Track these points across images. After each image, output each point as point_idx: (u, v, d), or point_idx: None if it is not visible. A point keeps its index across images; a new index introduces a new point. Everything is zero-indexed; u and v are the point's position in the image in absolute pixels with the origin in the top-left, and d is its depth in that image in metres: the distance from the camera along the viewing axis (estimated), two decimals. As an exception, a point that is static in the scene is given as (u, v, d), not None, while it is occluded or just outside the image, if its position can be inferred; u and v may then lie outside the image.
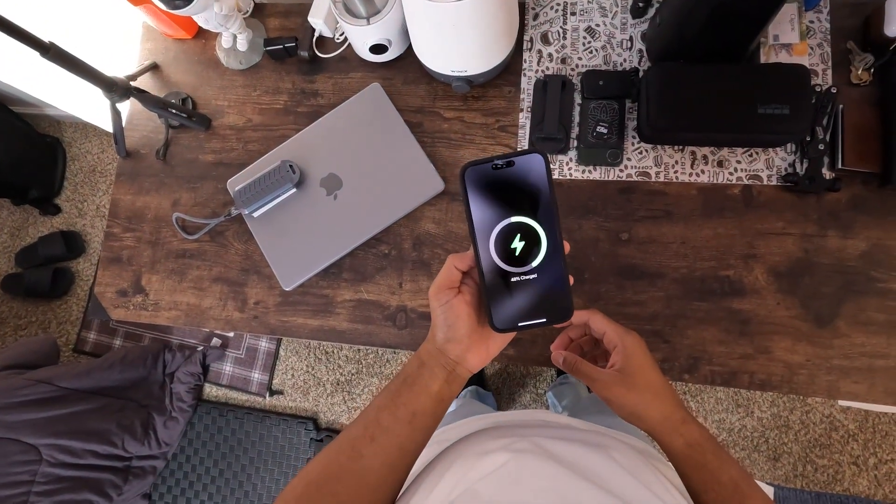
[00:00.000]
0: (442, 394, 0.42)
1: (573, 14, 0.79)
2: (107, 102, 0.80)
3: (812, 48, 0.72)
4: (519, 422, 0.58)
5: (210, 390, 1.71)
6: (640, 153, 0.74)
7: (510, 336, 0.45)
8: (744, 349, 0.69)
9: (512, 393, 1.54)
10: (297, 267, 0.78)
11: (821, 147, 0.69)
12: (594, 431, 0.54)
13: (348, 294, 0.78)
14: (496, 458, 0.41)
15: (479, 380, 1.50)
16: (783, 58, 0.72)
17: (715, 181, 0.72)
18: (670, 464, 0.46)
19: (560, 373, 1.48)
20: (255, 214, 0.79)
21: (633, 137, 0.75)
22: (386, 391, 0.43)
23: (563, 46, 0.78)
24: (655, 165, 0.74)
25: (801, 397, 1.43)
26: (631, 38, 0.77)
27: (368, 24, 0.72)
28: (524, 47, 0.79)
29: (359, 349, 1.65)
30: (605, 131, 0.73)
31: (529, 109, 0.77)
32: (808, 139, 0.70)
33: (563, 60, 0.78)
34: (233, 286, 0.81)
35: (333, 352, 1.66)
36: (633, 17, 0.77)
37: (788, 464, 1.39)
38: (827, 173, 0.70)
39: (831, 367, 0.68)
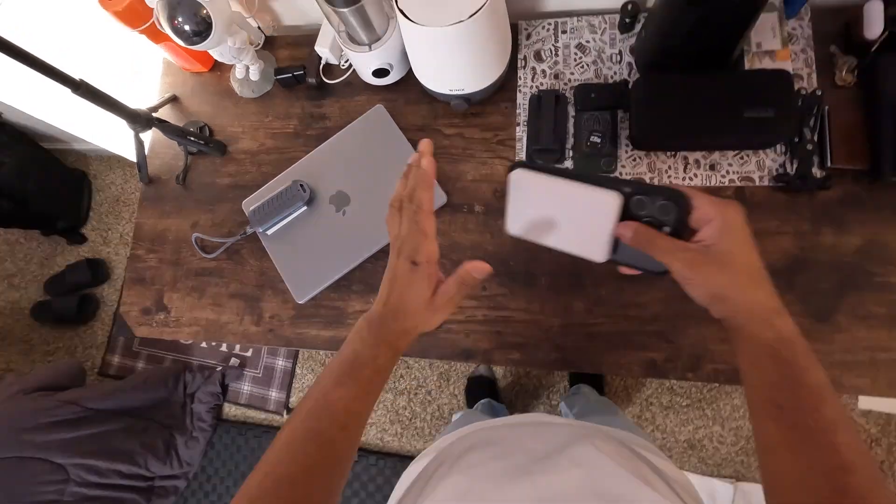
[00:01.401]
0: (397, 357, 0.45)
1: (564, 32, 0.83)
2: (130, 133, 0.86)
3: (796, 53, 0.75)
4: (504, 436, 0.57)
5: (229, 410, 1.74)
6: (634, 160, 0.77)
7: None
8: (745, 347, 0.70)
9: (525, 405, 1.55)
10: (309, 281, 0.82)
11: (809, 147, 0.71)
12: (579, 425, 0.56)
13: (358, 305, 0.82)
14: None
15: (492, 393, 1.51)
16: (767, 64, 0.74)
17: (708, 184, 0.75)
18: (657, 451, 0.47)
19: (573, 383, 1.48)
20: (269, 232, 0.84)
21: (627, 145, 0.78)
22: (344, 375, 0.42)
23: (556, 63, 0.82)
24: (649, 171, 0.77)
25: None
26: (620, 52, 0.81)
27: (370, 50, 0.78)
28: (518, 65, 0.83)
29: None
30: (598, 141, 0.77)
31: (526, 123, 0.81)
32: (797, 140, 0.72)
33: (556, 76, 0.82)
34: (249, 301, 0.85)
35: (348, 368, 1.69)
36: (621, 33, 0.81)
37: (811, 470, 1.36)
38: (817, 172, 0.72)
39: (833, 362, 0.68)
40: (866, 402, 1.37)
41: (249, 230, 0.84)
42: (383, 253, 0.82)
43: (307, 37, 0.93)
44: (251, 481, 0.38)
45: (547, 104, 0.78)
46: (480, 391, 1.51)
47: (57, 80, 0.70)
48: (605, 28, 0.82)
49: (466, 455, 0.46)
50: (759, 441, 0.39)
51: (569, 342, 0.75)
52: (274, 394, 1.71)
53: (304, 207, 0.83)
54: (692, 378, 0.71)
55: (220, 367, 1.73)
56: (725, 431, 1.42)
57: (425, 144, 0.47)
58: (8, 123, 1.73)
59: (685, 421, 1.45)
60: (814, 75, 0.75)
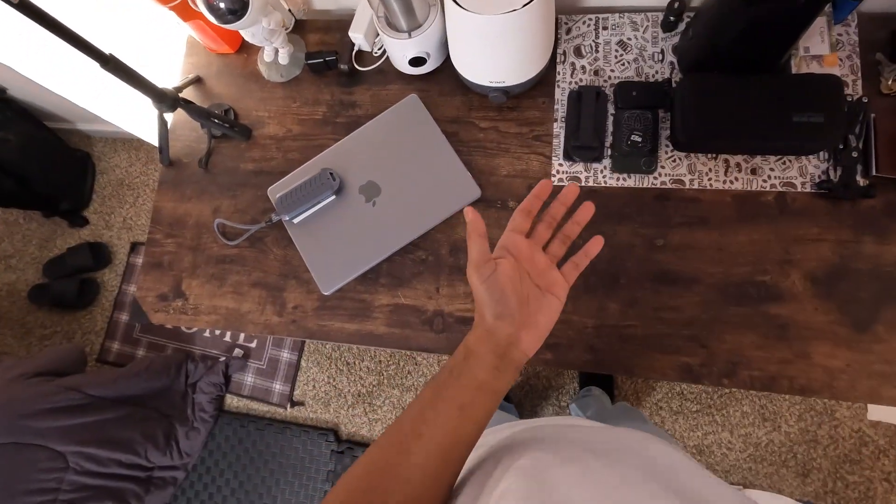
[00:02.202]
0: (492, 384, 0.40)
1: (605, 28, 0.81)
2: (147, 113, 0.83)
3: (841, 60, 0.74)
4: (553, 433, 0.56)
5: (231, 401, 1.72)
6: (674, 161, 0.76)
7: (557, 309, 0.45)
8: (783, 354, 0.70)
9: (534, 406, 1.54)
10: (335, 272, 0.80)
11: (854, 154, 0.70)
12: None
13: (386, 299, 0.80)
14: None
15: (500, 392, 1.50)
16: (814, 69, 0.73)
17: (749, 188, 0.74)
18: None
19: (583, 385, 1.47)
20: (296, 221, 0.81)
21: (667, 146, 0.76)
22: (432, 384, 0.41)
23: (596, 59, 0.81)
24: (689, 173, 0.75)
25: (829, 412, 1.41)
26: (662, 51, 0.79)
27: (410, 37, 0.75)
28: (558, 60, 0.82)
29: (380, 360, 1.66)
30: (639, 140, 0.75)
31: (563, 119, 0.80)
32: (842, 147, 0.71)
33: (596, 72, 0.81)
34: (271, 291, 0.83)
35: (355, 363, 1.67)
36: (664, 31, 0.80)
37: (818, 480, 1.36)
38: (861, 180, 0.71)
39: (872, 373, 0.68)
40: (875, 413, 1.37)
41: (275, 218, 0.82)
42: (413, 246, 0.80)
43: (338, 22, 0.91)
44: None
45: (587, 100, 0.77)
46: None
47: (85, 53, 0.67)
48: (647, 26, 0.80)
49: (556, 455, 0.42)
50: None
51: (602, 343, 0.74)
52: (278, 386, 1.68)
53: (333, 197, 0.81)
54: (728, 384, 0.70)
55: (224, 358, 1.70)
56: (734, 438, 1.42)
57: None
58: (13, 100, 1.69)
59: (694, 426, 1.45)
60: (859, 82, 0.74)
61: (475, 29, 0.65)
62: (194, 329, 1.74)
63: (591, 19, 0.82)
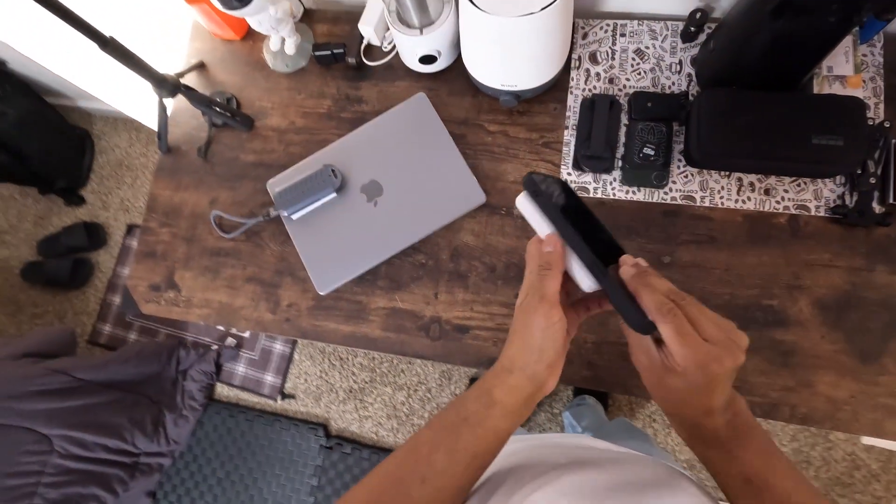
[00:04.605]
0: (511, 430, 0.38)
1: (622, 35, 0.79)
2: (150, 97, 0.81)
3: (865, 81, 0.72)
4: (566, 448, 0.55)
5: (221, 390, 1.70)
6: (686, 177, 0.74)
7: (566, 348, 0.41)
8: (785, 381, 0.68)
9: (526, 411, 1.52)
10: (332, 271, 0.78)
11: (872, 181, 0.68)
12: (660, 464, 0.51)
13: (382, 302, 0.78)
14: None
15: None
16: (837, 89, 0.71)
17: (761, 209, 0.72)
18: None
19: (577, 393, 1.46)
20: (294, 217, 0.79)
21: (679, 161, 0.74)
22: (443, 425, 0.38)
23: (612, 66, 0.79)
24: (701, 190, 0.73)
25: (824, 433, 1.39)
26: (680, 62, 0.77)
27: (421, 34, 0.73)
28: (572, 65, 0.79)
29: (373, 357, 1.64)
30: (651, 153, 0.73)
31: (575, 127, 0.77)
32: (860, 172, 0.69)
33: (611, 80, 0.78)
34: (266, 287, 0.81)
35: (348, 358, 1.65)
36: (683, 42, 0.77)
37: (808, 501, 1.35)
38: (877, 207, 0.69)
39: (877, 405, 0.66)
40: (869, 438, 1.36)
41: (274, 212, 0.80)
42: (413, 249, 0.78)
43: (348, 13, 0.88)
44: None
45: (601, 109, 0.75)
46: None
47: (85, 34, 0.65)
48: (666, 35, 0.78)
49: (550, 472, 0.41)
50: None
51: (602, 360, 0.72)
52: (269, 378, 1.67)
53: (334, 194, 0.78)
54: (729, 409, 0.69)
55: (216, 346, 1.68)
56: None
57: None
58: (13, 74, 1.66)
59: (686, 441, 1.44)
60: (881, 105, 0.72)
61: (490, 30, 0.63)
62: (201, 322, 1.72)
63: (608, 25, 0.80)
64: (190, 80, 0.90)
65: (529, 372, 0.37)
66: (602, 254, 0.39)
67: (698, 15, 0.73)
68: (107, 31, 0.68)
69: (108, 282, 1.84)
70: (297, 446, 1.59)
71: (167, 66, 0.86)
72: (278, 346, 1.68)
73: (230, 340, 1.70)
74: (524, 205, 0.43)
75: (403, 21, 0.74)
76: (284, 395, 1.65)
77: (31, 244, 1.91)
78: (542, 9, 0.58)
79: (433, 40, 0.74)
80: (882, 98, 0.72)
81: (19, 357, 1.30)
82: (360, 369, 1.64)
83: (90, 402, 1.33)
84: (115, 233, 1.88)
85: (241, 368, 1.68)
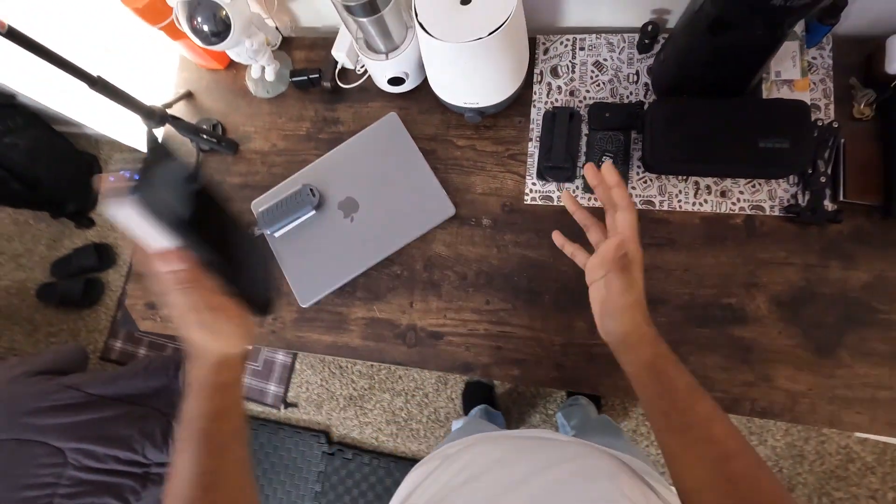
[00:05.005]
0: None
1: (582, 49, 0.83)
2: (142, 127, 0.86)
3: (815, 83, 0.75)
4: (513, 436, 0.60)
5: (227, 401, 1.75)
6: (645, 182, 0.77)
7: None
8: (745, 377, 0.70)
9: (522, 413, 1.55)
10: (313, 285, 0.82)
11: (822, 179, 0.71)
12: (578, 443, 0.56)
13: (361, 312, 0.82)
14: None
15: (489, 399, 1.52)
16: (785, 93, 0.74)
17: (718, 211, 0.75)
18: (668, 486, 0.47)
19: (570, 394, 1.48)
20: (276, 234, 0.84)
21: (638, 167, 0.77)
22: (199, 430, 0.43)
23: (572, 79, 0.82)
24: (659, 194, 0.76)
25: (817, 427, 1.40)
26: (637, 73, 0.80)
27: (387, 58, 0.77)
28: (534, 80, 0.83)
29: (372, 365, 1.68)
30: (610, 161, 0.76)
31: (538, 139, 0.81)
32: (811, 171, 0.72)
33: (572, 93, 0.82)
34: (253, 301, 0.86)
35: (347, 367, 1.70)
36: (640, 53, 0.81)
37: (804, 495, 1.36)
38: (829, 205, 0.71)
39: (833, 397, 0.68)
40: (864, 430, 1.36)
41: (257, 231, 0.85)
42: (388, 261, 0.82)
43: (324, 39, 0.93)
44: None
45: (561, 121, 0.78)
46: (477, 397, 1.51)
47: (75, 76, 0.70)
48: (623, 47, 0.81)
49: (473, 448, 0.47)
50: (663, 452, 0.44)
51: (569, 361, 0.75)
52: (272, 387, 1.72)
53: (313, 212, 0.83)
54: (691, 405, 0.71)
55: (221, 358, 1.73)
56: (720, 451, 1.42)
57: None
58: (22, 106, 1.74)
59: (681, 438, 1.45)
60: (832, 106, 0.74)
61: (445, 55, 0.67)
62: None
63: (568, 39, 0.83)
64: (179, 108, 0.96)
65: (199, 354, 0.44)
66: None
67: (650, 27, 0.76)
68: (95, 67, 0.73)
69: (117, 300, 1.91)
70: (300, 453, 1.64)
71: (157, 95, 0.92)
72: (280, 357, 1.73)
73: (234, 352, 1.75)
74: (128, 215, 0.35)
75: (370, 47, 0.79)
76: (287, 404, 1.70)
77: (45, 266, 1.99)
78: (490, 33, 0.62)
79: (399, 64, 0.78)
80: (832, 99, 0.74)
81: (33, 375, 1.36)
82: (359, 377, 1.68)
83: (101, 415, 1.39)
84: (124, 252, 1.96)
85: (245, 379, 1.73)
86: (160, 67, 1.02)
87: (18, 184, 1.72)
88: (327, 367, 1.71)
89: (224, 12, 0.74)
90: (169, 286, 0.40)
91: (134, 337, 1.86)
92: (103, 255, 1.91)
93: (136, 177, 0.35)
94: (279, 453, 1.65)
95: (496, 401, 1.55)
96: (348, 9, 0.68)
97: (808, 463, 1.38)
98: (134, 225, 0.35)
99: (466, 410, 1.51)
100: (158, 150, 0.36)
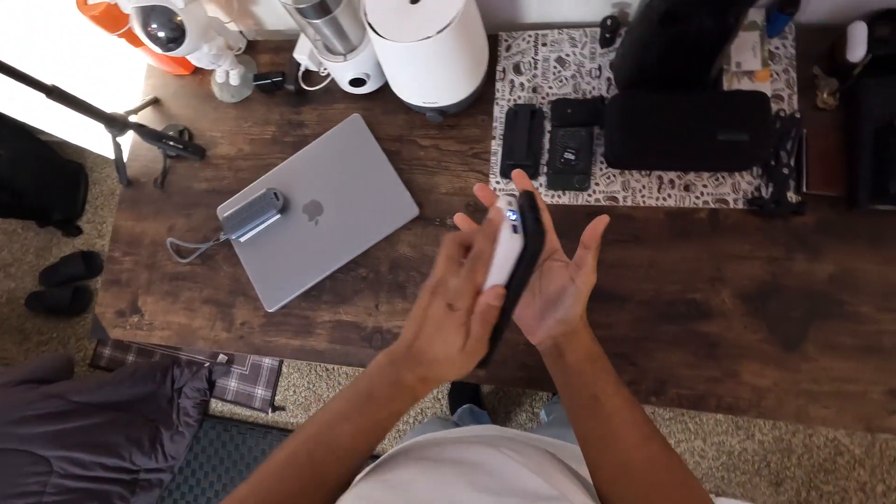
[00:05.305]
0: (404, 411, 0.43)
1: (544, 45, 0.82)
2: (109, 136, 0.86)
3: (777, 73, 0.74)
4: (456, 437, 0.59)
5: (215, 405, 1.76)
6: (608, 178, 0.76)
7: None
8: (711, 372, 0.70)
9: (508, 412, 1.54)
10: (279, 289, 0.82)
11: (785, 171, 0.70)
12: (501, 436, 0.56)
13: (328, 315, 0.82)
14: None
15: (474, 399, 1.51)
16: (745, 84, 0.73)
17: (682, 205, 0.74)
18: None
19: (556, 392, 1.47)
20: (242, 239, 0.84)
21: (602, 163, 0.77)
22: (354, 410, 0.41)
23: (535, 76, 0.81)
24: (623, 190, 0.76)
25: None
26: (599, 67, 0.79)
27: (346, 60, 0.77)
28: (497, 77, 0.82)
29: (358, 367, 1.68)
30: (572, 157, 0.76)
31: (502, 137, 0.80)
32: (773, 163, 0.71)
33: (535, 89, 0.81)
34: (221, 307, 0.86)
35: (334, 369, 1.70)
36: (602, 47, 0.80)
37: (792, 489, 1.35)
38: (792, 197, 0.70)
39: (800, 392, 0.67)
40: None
41: (223, 237, 0.84)
42: (354, 264, 0.82)
43: (289, 41, 0.92)
44: (235, 495, 0.38)
45: (523, 118, 0.77)
46: (463, 396, 1.51)
47: (29, 86, 0.70)
48: (585, 42, 0.80)
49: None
50: (579, 436, 0.46)
51: (534, 361, 0.74)
52: (260, 391, 1.72)
53: (278, 216, 0.82)
54: (655, 402, 0.71)
55: (208, 363, 1.74)
56: (707, 446, 1.41)
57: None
58: (6, 116, 1.74)
59: (667, 434, 1.44)
60: (795, 97, 0.73)
61: (397, 55, 0.67)
62: (162, 344, 1.78)
63: (530, 35, 0.82)
64: (146, 114, 0.95)
65: (440, 376, 0.41)
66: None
67: (609, 21, 0.76)
68: (58, 78, 0.73)
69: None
70: (289, 457, 1.63)
71: (126, 103, 0.92)
72: (267, 361, 1.74)
73: (221, 357, 1.75)
74: (509, 246, 0.38)
75: (329, 49, 0.78)
76: (275, 408, 1.70)
77: (34, 275, 2.00)
78: (438, 32, 0.62)
79: (358, 65, 0.78)
80: (795, 89, 0.73)
81: (16, 385, 1.37)
82: (345, 379, 1.68)
83: (86, 423, 1.40)
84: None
85: (233, 383, 1.74)
86: (128, 75, 1.02)
87: (4, 193, 1.73)
88: (314, 369, 1.71)
89: (179, 18, 0.74)
90: (476, 312, 0.39)
91: (122, 343, 1.87)
92: (90, 262, 1.91)
93: (515, 216, 0.39)
94: (267, 456, 1.64)
95: (482, 400, 1.54)
96: (300, 11, 0.67)
97: (797, 456, 1.36)
98: (501, 253, 0.38)
99: (453, 410, 1.51)
100: (531, 206, 0.38)
